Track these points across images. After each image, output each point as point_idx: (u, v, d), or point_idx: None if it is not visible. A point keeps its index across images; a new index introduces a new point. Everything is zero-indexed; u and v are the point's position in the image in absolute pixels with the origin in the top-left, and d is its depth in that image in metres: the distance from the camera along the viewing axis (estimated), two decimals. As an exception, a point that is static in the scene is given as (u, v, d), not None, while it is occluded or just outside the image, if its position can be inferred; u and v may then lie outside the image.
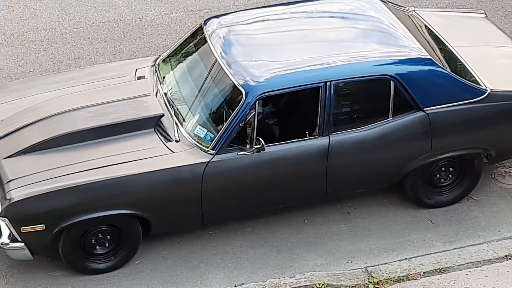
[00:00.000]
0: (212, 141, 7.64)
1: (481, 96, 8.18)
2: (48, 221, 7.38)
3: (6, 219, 7.35)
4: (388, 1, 9.17)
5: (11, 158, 7.66)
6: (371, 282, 7.75)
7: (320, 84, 7.76)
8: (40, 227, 7.38)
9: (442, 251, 8.11)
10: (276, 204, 8.19)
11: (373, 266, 7.94)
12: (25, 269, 7.82)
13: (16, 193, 7.36)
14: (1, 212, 7.36)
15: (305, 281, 7.73)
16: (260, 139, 7.62)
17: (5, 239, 7.46)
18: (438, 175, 8.43)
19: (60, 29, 10.79)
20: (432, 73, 8.06)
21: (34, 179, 7.44)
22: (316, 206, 8.45)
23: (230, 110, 7.64)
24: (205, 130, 7.72)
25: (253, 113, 7.57)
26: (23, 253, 7.50)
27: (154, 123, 7.89)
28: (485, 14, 9.73)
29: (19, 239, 7.42)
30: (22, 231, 7.37)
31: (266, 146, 7.65)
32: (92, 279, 7.77)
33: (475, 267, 7.93)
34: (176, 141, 7.74)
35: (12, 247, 7.45)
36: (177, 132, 7.80)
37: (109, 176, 7.45)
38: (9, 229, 7.42)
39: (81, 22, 10.94)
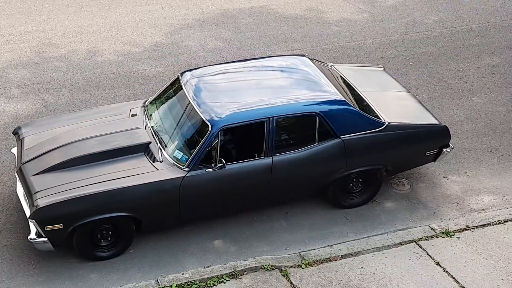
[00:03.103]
0: (187, 161, 7.60)
1: (381, 127, 8.24)
2: (65, 221, 7.28)
3: (34, 220, 7.25)
4: (314, 58, 9.25)
5: (37, 175, 7.56)
6: (303, 263, 7.74)
7: (265, 119, 7.77)
8: (59, 226, 7.28)
9: (354, 240, 8.11)
10: (234, 207, 8.15)
11: (305, 251, 7.92)
12: (48, 257, 7.70)
13: (41, 201, 7.25)
14: (30, 215, 7.25)
15: (255, 263, 7.69)
16: (222, 159, 7.60)
17: (33, 235, 7.35)
18: (351, 184, 8.45)
19: (75, 80, 10.70)
20: (345, 111, 8.11)
21: (55, 191, 7.34)
22: (263, 208, 8.42)
23: (200, 138, 7.61)
24: (182, 153, 7.68)
25: (216, 141, 7.55)
26: (47, 246, 7.38)
27: (143, 149, 7.82)
28: (384, 68, 9.84)
29: (43, 235, 7.31)
30: (45, 229, 7.27)
31: (227, 164, 7.63)
32: (98, 264, 7.67)
33: (378, 251, 7.94)
34: (160, 162, 7.69)
35: (38, 241, 7.34)
36: (161, 155, 7.75)
37: (110, 188, 7.37)
38: (36, 228, 7.31)
39: (90, 75, 10.86)
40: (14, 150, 8.27)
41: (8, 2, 12.85)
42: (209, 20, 12.59)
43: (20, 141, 8.16)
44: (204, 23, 12.48)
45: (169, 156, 7.71)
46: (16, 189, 8.03)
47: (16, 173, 7.87)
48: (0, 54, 11.24)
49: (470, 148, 9.67)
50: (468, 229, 8.25)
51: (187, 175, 7.54)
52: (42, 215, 7.21)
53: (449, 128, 8.76)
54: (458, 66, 11.48)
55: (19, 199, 7.82)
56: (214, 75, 8.44)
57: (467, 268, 7.74)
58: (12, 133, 8.47)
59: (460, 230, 8.24)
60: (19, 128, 8.37)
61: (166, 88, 8.53)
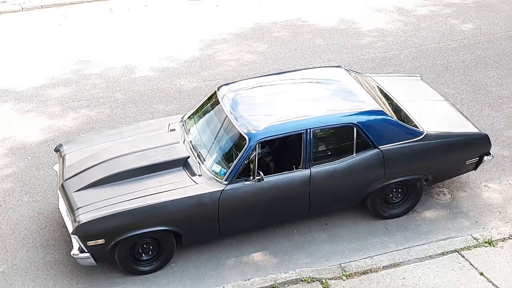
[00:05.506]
0: (225, 175, 7.63)
1: (419, 136, 8.18)
2: (107, 236, 7.36)
3: (76, 236, 7.34)
4: (350, 69, 9.23)
5: (79, 191, 7.66)
6: (344, 275, 7.70)
7: (303, 131, 7.77)
8: (101, 241, 7.36)
9: (395, 251, 8.04)
10: (273, 219, 8.15)
11: (345, 263, 7.88)
12: (91, 272, 7.79)
13: (84, 217, 7.35)
14: (73, 231, 7.36)
15: (295, 275, 7.67)
16: (260, 172, 7.61)
17: (75, 251, 7.44)
18: (390, 195, 8.39)
19: (114, 97, 10.85)
20: (383, 121, 8.06)
21: (97, 206, 7.43)
22: (302, 220, 8.40)
23: (238, 152, 7.64)
24: (220, 167, 7.72)
25: (254, 153, 7.57)
26: (89, 261, 7.47)
27: (182, 163, 7.88)
28: (421, 76, 9.78)
29: (85, 250, 7.40)
30: (88, 245, 7.36)
31: (265, 177, 7.64)
32: (139, 278, 7.72)
33: (420, 261, 7.87)
34: (199, 176, 7.73)
35: (80, 256, 7.43)
36: (199, 169, 7.80)
37: (151, 203, 7.44)
38: (78, 243, 7.40)
39: (129, 91, 11.00)
40: (56, 167, 8.40)
41: (48, 22, 13.12)
42: (243, 34, 12.66)
43: (61, 158, 8.29)
44: (239, 37, 12.56)
45: (208, 170, 7.75)
46: (58, 206, 8.16)
47: (58, 190, 7.99)
48: (40, 73, 11.47)
49: (511, 156, 9.51)
50: (512, 238, 8.13)
51: (226, 188, 7.57)
52: (84, 231, 7.31)
53: (489, 136, 8.64)
54: (497, 73, 11.33)
55: (61, 215, 7.95)
56: (251, 88, 8.48)
57: (512, 278, 7.61)
58: (54, 150, 8.61)
59: (504, 239, 8.11)
60: (61, 145, 8.51)
61: (204, 102, 8.59)
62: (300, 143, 7.80)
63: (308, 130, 7.76)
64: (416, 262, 7.83)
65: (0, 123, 10.23)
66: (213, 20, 13.17)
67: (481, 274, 7.66)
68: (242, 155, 7.56)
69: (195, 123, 8.38)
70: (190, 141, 8.15)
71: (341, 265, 7.83)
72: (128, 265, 7.67)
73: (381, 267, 7.77)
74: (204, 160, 7.86)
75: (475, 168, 8.67)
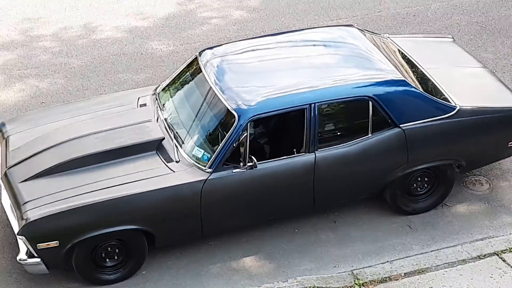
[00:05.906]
0: (209, 161, 7.64)
1: (451, 112, 8.20)
2: (62, 237, 7.37)
3: (23, 237, 7.35)
4: (365, 29, 9.22)
5: (27, 182, 7.65)
6: (357, 284, 7.74)
7: (306, 106, 7.78)
8: (54, 243, 7.37)
9: (420, 254, 8.09)
10: (269, 216, 8.18)
11: (359, 269, 7.92)
12: (42, 282, 7.79)
13: (32, 213, 7.35)
14: (19, 231, 7.36)
15: (296, 285, 7.71)
16: (253, 157, 7.63)
17: (23, 255, 7.44)
18: (414, 185, 8.43)
19: (70, 64, 10.82)
20: (406, 93, 8.08)
21: (48, 200, 7.43)
22: (305, 217, 8.44)
23: (225, 132, 7.65)
24: (202, 151, 7.73)
25: (245, 134, 7.58)
26: (40, 268, 7.49)
27: (155, 146, 7.89)
28: (453, 38, 9.78)
29: (35, 255, 7.41)
30: (38, 248, 7.37)
31: (258, 163, 7.66)
32: (103, 289, 7.78)
33: (451, 267, 7.92)
34: (176, 162, 7.74)
35: (29, 262, 7.44)
36: (177, 153, 7.81)
37: (116, 195, 7.45)
38: (26, 246, 7.42)
39: (88, 57, 10.97)
40: (-2, 152, 8.40)
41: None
42: (232, -15, 12.64)
43: (4, 141, 8.28)
44: (227, -12, 12.53)
45: (187, 154, 7.76)
46: (0, 200, 8.15)
47: (0, 180, 7.99)
48: (-22, 35, 11.44)
49: None
50: None
51: (210, 177, 7.59)
52: (34, 231, 7.31)
53: (537, 111, 8.69)
54: (547, 33, 11.37)
55: (4, 211, 7.94)
56: (241, 53, 8.48)
57: None
58: (-5, 130, 8.61)
59: (554, 240, 8.19)
60: (3, 124, 8.50)
61: (182, 71, 8.59)
62: (302, 122, 7.81)
63: (313, 105, 7.77)
64: (446, 268, 7.89)
65: None
66: (193, -32, 13.13)
67: (526, 282, 7.74)
68: (230, 136, 7.57)
69: (171, 97, 8.38)
70: (165, 119, 8.16)
71: (353, 272, 7.88)
72: (88, 272, 7.69)
73: (402, 274, 7.83)
74: (183, 142, 7.87)
75: (519, 152, 8.73)
